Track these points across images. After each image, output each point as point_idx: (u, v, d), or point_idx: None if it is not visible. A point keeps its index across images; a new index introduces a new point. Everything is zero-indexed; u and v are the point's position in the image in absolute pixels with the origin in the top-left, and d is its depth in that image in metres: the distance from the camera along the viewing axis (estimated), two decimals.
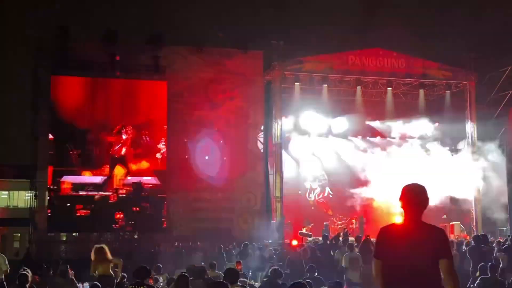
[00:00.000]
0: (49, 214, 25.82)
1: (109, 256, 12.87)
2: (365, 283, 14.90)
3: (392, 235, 5.12)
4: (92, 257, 12.88)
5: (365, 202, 31.09)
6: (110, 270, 12.65)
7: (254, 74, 29.40)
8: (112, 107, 27.48)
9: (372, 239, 18.88)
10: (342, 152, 33.28)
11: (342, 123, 32.53)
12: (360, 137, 33.22)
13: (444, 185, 29.70)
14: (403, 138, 32.90)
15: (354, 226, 30.16)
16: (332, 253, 16.77)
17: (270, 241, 25.35)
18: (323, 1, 30.67)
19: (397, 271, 4.91)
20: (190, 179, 27.73)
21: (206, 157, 28.30)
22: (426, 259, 4.81)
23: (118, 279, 12.81)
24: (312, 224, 29.06)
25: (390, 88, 31.48)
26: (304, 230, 28.48)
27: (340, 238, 19.54)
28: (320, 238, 21.39)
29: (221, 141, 28.81)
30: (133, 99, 27.65)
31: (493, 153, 30.62)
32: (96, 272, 12.75)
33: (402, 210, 5.12)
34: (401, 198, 5.27)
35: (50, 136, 26.32)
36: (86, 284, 13.77)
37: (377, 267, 5.12)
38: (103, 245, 13.25)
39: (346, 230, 26.20)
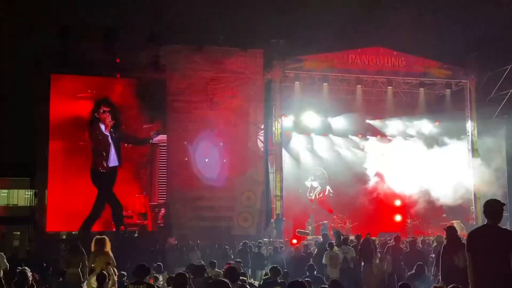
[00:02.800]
0: None
1: (108, 248, 12.87)
2: (365, 282, 14.93)
3: (482, 234, 7.11)
4: (92, 248, 12.88)
5: (365, 200, 31.10)
6: (105, 267, 12.59)
7: (254, 73, 29.37)
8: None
9: (373, 238, 18.89)
10: (342, 150, 33.29)
11: (342, 122, 32.54)
12: (360, 135, 33.23)
13: (444, 183, 29.76)
14: (403, 137, 32.92)
15: (348, 226, 30.04)
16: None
17: (270, 239, 25.39)
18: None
19: (486, 258, 6.86)
20: (190, 178, 27.73)
21: (206, 158, 28.27)
22: (506, 251, 6.71)
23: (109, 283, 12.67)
24: (314, 225, 29.05)
25: (391, 87, 31.49)
26: (310, 227, 28.57)
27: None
28: (320, 237, 21.41)
29: (221, 140, 28.79)
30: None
31: (493, 152, 30.62)
32: (93, 265, 12.74)
33: (487, 218, 7.00)
34: (487, 210, 7.08)
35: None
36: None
37: (469, 258, 7.02)
38: (104, 236, 13.27)
39: (337, 229, 26.14)
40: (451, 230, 10.81)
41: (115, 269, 13.05)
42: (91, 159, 26.17)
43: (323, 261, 15.25)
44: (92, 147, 26.23)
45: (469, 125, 31.62)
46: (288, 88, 30.59)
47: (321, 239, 19.29)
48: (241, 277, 10.06)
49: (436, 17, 30.69)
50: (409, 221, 30.64)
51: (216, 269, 13.37)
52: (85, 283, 13.39)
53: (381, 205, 31.79)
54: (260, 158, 29.42)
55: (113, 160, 26.48)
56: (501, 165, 30.43)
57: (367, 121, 32.84)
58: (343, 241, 16.62)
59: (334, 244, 16.46)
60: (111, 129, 26.50)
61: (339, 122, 32.54)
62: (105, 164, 26.20)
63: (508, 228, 28.13)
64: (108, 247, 12.89)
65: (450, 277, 9.32)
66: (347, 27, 29.93)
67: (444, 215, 30.92)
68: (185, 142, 28.17)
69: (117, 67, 27.18)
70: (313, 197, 32.49)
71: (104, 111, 26.35)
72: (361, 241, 16.68)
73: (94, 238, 13.16)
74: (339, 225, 29.88)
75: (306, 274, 12.40)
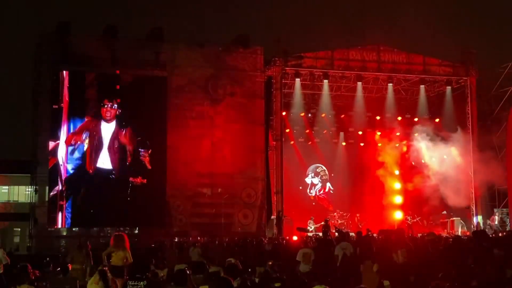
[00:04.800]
0: None
1: (127, 245, 12.81)
2: (364, 278, 14.92)
3: None
4: (111, 243, 12.83)
5: (366, 197, 31.13)
6: (122, 262, 12.53)
7: (254, 70, 29.37)
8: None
9: (374, 235, 18.92)
10: (343, 147, 33.30)
11: (343, 118, 32.53)
12: (360, 132, 33.22)
13: (444, 180, 29.78)
14: (404, 133, 32.89)
15: (360, 224, 29.99)
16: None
17: (270, 236, 25.41)
18: None
19: None
20: (190, 174, 27.75)
21: (206, 152, 28.29)
22: None
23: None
24: (315, 226, 28.97)
25: (391, 84, 31.48)
26: (312, 227, 28.54)
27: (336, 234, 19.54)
28: (321, 234, 21.45)
29: (222, 137, 28.79)
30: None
31: (493, 149, 30.61)
32: (106, 257, 12.73)
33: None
34: None
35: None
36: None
37: None
38: (122, 233, 13.23)
39: (338, 228, 26.13)
40: (400, 231, 12.76)
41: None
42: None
43: (297, 257, 15.60)
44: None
45: (470, 122, 31.59)
46: (288, 84, 30.60)
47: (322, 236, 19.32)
48: (241, 274, 10.06)
49: (436, 14, 30.66)
50: (409, 218, 30.65)
51: (217, 266, 13.36)
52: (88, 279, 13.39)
53: (381, 202, 31.82)
54: (260, 155, 29.43)
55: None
56: (502, 162, 30.42)
57: (368, 118, 32.80)
58: (342, 237, 16.64)
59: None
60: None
61: (340, 118, 32.53)
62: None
63: (508, 226, 28.21)
64: (126, 244, 12.82)
65: (390, 271, 11.24)
66: (348, 24, 29.92)
67: (444, 212, 30.94)
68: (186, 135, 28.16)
69: (118, 63, 27.15)
70: (314, 194, 32.49)
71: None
72: (361, 237, 16.70)
73: (113, 234, 13.10)
74: (339, 222, 29.95)
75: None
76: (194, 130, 28.28)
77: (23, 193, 31.05)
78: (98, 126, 26.77)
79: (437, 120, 32.53)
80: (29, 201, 27.59)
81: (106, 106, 26.74)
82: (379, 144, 32.78)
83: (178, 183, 27.51)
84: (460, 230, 28.93)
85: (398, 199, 32.32)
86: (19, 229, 30.36)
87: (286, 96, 30.36)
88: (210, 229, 26.31)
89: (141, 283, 8.80)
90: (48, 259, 18.68)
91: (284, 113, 30.12)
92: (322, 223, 28.56)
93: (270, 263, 14.77)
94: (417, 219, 30.56)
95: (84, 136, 26.47)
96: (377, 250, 12.70)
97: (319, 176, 32.82)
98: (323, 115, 31.96)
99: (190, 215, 27.65)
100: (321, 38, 29.76)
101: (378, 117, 32.76)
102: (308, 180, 32.65)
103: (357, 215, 30.55)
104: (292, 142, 32.74)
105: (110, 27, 27.12)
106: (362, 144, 33.77)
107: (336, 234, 19.52)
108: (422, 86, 31.86)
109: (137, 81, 27.51)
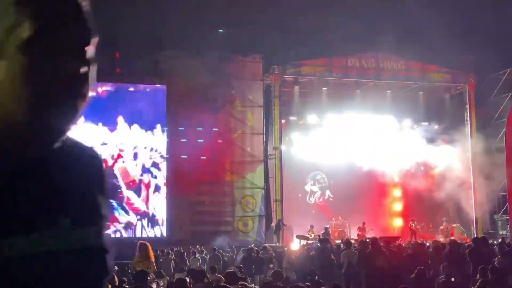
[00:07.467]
0: None
1: (151, 254, 12.82)
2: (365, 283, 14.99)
3: None
4: (137, 252, 12.85)
5: (366, 204, 31.06)
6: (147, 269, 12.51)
7: (253, 78, 29.43)
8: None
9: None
10: (341, 155, 33.22)
11: (342, 125, 32.49)
12: (360, 139, 33.13)
13: (444, 186, 29.78)
14: (404, 140, 32.84)
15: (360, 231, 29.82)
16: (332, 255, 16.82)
17: (270, 244, 25.38)
18: (322, 4, 30.64)
19: None
20: (190, 183, 27.73)
21: (206, 161, 28.29)
22: None
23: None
24: (315, 234, 28.80)
25: (390, 91, 31.51)
26: (312, 235, 28.41)
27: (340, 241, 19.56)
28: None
29: (221, 145, 28.80)
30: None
31: (493, 156, 30.62)
32: (136, 268, 12.75)
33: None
34: None
35: None
36: None
37: None
38: (146, 242, 13.23)
39: (321, 233, 25.92)
40: (375, 240, 14.04)
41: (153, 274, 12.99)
42: None
43: (283, 264, 15.93)
44: None
45: (469, 129, 31.62)
46: (287, 92, 30.64)
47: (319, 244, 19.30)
48: (241, 282, 10.07)
49: (435, 20, 30.70)
50: (413, 224, 30.49)
51: (217, 274, 13.37)
52: None
53: (382, 209, 31.77)
54: (259, 163, 29.44)
55: None
56: (501, 168, 30.41)
57: (367, 124, 32.74)
58: (347, 245, 16.65)
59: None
60: None
61: (339, 126, 32.48)
62: None
63: (509, 232, 28.18)
64: (151, 253, 12.83)
65: (373, 275, 12.96)
66: (346, 31, 29.95)
67: (445, 218, 30.90)
68: (185, 140, 28.15)
69: (117, 72, 27.19)
70: (313, 202, 32.44)
71: None
72: (359, 245, 16.71)
73: (138, 243, 13.11)
74: (339, 230, 29.88)
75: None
76: (193, 139, 28.28)
77: None
78: None
79: (436, 126, 32.55)
80: None
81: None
82: (378, 151, 32.68)
83: (177, 192, 27.49)
84: (460, 236, 28.86)
85: (398, 206, 32.28)
86: None
87: (285, 104, 30.37)
88: (210, 237, 26.25)
89: None
90: None
91: (283, 121, 30.14)
92: (322, 231, 28.49)
93: (271, 267, 14.85)
94: (419, 226, 30.47)
95: None
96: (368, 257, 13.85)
97: (319, 183, 32.73)
98: (322, 122, 31.94)
99: (190, 223, 27.62)
100: (320, 45, 29.71)
101: (377, 124, 32.70)
102: (307, 187, 32.57)
103: (363, 223, 30.37)
104: (291, 150, 32.68)
105: (109, 35, 27.13)
106: (361, 151, 33.65)
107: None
108: (420, 93, 31.90)
109: (137, 90, 27.57)
